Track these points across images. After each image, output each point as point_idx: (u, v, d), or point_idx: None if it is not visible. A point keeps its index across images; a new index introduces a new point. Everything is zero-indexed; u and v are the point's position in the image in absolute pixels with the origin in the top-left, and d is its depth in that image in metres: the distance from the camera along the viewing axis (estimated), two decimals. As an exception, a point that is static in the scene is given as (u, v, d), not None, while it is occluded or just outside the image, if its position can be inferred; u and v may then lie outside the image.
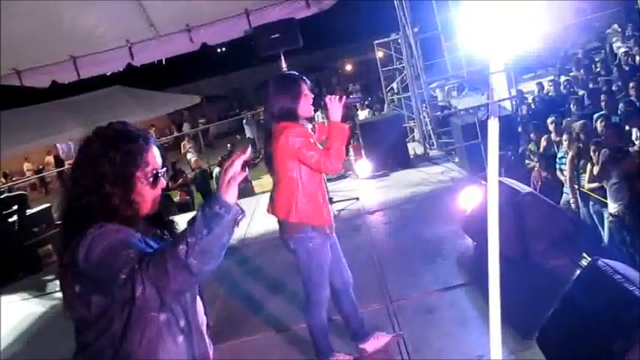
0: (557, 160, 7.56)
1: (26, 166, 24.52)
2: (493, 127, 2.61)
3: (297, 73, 3.51)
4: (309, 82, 3.48)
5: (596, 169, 6.35)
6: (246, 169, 1.71)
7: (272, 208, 3.54)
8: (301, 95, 3.37)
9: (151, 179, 1.91)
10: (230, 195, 1.66)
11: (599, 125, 7.40)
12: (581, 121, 7.39)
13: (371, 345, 3.77)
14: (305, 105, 3.40)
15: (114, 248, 1.68)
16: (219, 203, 1.64)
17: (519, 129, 10.00)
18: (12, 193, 10.45)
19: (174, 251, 1.60)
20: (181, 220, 1.89)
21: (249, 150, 1.76)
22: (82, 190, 1.84)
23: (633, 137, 7.20)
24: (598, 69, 13.27)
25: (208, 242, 1.61)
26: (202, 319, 2.05)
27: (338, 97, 3.40)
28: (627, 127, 7.29)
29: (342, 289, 3.67)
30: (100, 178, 1.82)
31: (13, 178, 22.23)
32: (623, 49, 14.38)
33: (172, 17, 8.60)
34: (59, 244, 1.86)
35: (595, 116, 7.83)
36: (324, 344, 3.63)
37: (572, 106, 9.51)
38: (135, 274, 1.59)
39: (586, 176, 6.72)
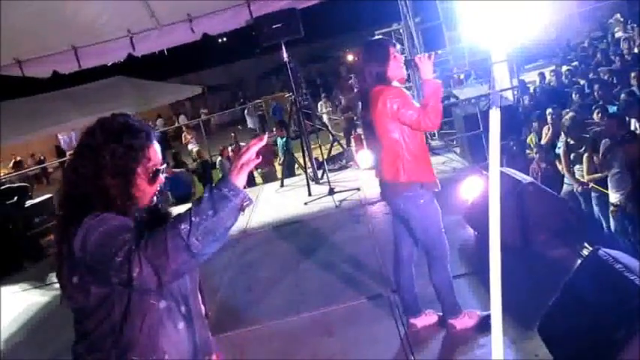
0: (556, 150, 7.55)
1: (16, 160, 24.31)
2: (495, 117, 2.60)
3: (385, 38, 3.60)
4: (397, 45, 3.56)
5: (596, 159, 6.34)
6: (260, 156, 1.70)
7: (378, 172, 3.62)
8: (390, 58, 3.44)
9: (151, 175, 1.89)
10: (240, 179, 1.66)
11: (595, 116, 7.40)
12: (570, 115, 7.34)
13: (421, 321, 3.82)
14: (395, 67, 3.47)
15: (109, 234, 1.66)
16: (228, 186, 1.63)
17: (521, 119, 9.96)
18: (14, 184, 10.45)
19: (175, 230, 1.58)
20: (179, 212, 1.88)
21: (266, 137, 1.76)
22: (81, 179, 1.82)
23: (632, 128, 7.16)
24: (598, 58, 13.19)
25: (212, 224, 1.59)
26: (201, 308, 2.06)
27: (427, 55, 3.45)
28: (627, 118, 7.26)
29: (406, 261, 3.73)
30: (100, 169, 1.80)
31: (25, 165, 22.08)
32: (625, 39, 14.31)
33: (173, 7, 8.58)
34: (56, 233, 1.84)
35: (593, 107, 7.82)
36: (453, 301, 3.65)
37: (574, 95, 9.45)
38: (132, 255, 1.56)
39: (585, 168, 6.72)
